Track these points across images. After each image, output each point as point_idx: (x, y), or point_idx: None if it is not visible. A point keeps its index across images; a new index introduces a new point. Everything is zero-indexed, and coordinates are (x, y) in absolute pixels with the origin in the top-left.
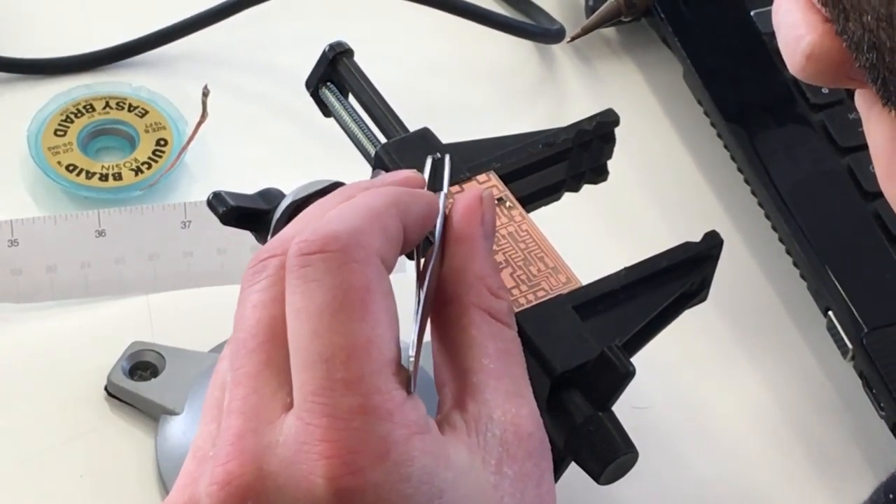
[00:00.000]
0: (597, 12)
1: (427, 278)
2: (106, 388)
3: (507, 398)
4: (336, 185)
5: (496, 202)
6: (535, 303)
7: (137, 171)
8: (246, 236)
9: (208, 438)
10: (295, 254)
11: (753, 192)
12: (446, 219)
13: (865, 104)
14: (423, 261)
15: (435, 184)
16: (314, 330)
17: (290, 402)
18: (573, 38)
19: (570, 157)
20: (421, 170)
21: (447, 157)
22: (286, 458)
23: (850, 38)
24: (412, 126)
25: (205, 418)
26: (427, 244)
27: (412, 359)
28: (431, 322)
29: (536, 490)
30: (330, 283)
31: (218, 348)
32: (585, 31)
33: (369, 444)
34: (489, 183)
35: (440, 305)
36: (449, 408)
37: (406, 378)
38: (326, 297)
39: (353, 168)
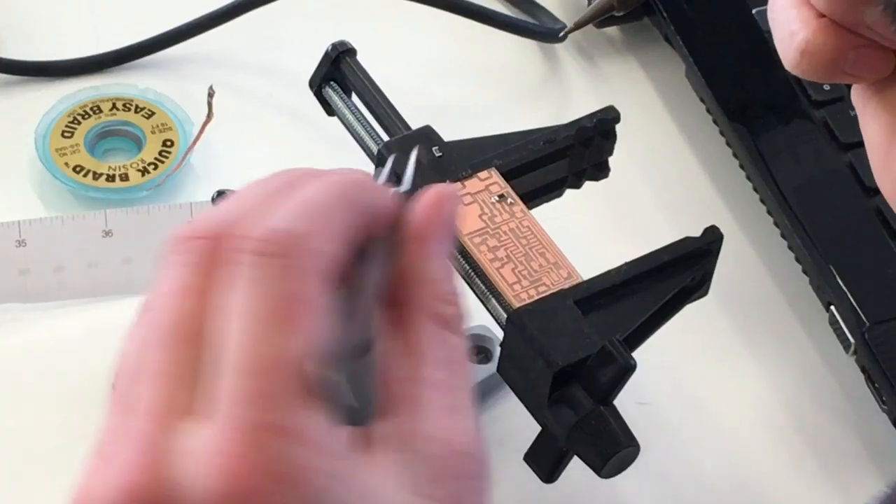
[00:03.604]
0: (589, 7)
1: (366, 283)
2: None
3: (445, 413)
4: None
5: (497, 199)
6: (536, 298)
7: (144, 171)
8: None
9: (113, 432)
10: (235, 248)
11: (755, 189)
12: (403, 217)
13: (861, 99)
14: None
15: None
16: (244, 336)
17: (199, 407)
18: (565, 34)
19: (572, 154)
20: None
21: (414, 152)
22: (189, 469)
23: None
24: (415, 125)
25: (114, 408)
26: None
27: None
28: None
29: None
30: (272, 288)
31: None
32: (578, 26)
33: (274, 464)
34: (490, 180)
35: (385, 309)
36: (377, 417)
37: (324, 396)
38: (266, 304)
39: (356, 167)
